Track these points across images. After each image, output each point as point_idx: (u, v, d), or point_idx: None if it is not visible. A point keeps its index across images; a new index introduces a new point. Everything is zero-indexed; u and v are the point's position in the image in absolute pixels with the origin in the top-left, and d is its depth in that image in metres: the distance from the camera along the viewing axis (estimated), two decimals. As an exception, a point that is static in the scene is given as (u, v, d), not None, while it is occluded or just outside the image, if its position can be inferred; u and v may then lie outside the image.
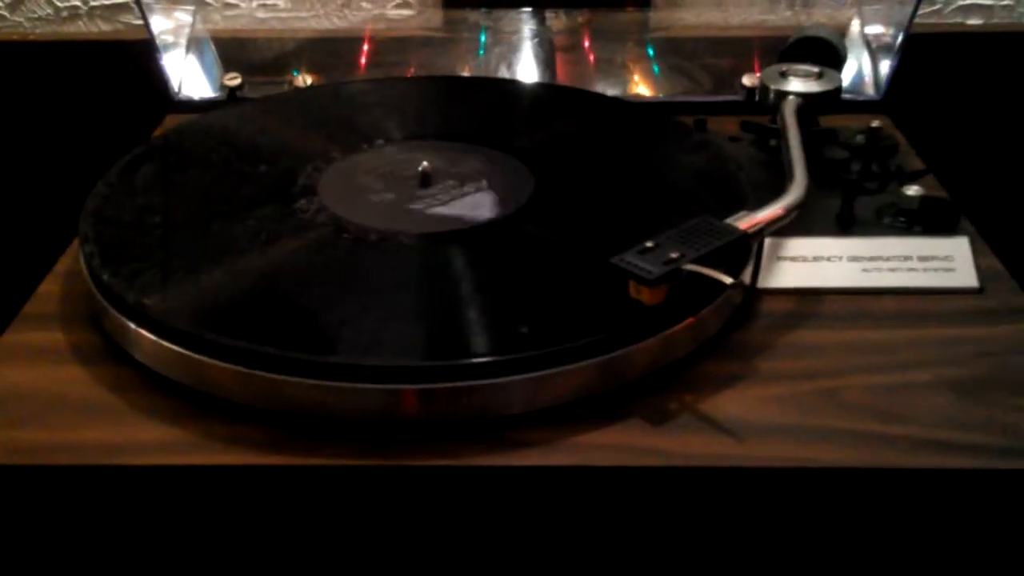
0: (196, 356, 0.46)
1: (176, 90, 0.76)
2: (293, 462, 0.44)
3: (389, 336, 0.46)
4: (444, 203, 0.56)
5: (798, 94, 0.62)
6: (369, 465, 0.44)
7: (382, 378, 0.44)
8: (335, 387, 0.44)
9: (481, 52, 0.80)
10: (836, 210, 0.59)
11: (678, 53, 0.79)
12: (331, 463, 0.44)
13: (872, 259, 0.55)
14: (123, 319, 0.48)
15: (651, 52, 0.80)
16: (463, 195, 0.57)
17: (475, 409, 0.45)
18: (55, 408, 0.47)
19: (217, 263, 0.51)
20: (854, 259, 0.55)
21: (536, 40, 0.80)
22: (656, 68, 0.79)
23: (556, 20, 0.81)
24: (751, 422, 0.46)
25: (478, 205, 0.56)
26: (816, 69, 0.64)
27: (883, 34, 0.75)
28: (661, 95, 0.78)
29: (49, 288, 0.55)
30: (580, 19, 0.81)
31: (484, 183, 0.58)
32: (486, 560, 0.47)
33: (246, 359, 0.45)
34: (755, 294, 0.53)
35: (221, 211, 0.56)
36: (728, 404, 0.47)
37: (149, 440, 0.45)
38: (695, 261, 0.46)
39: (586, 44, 0.81)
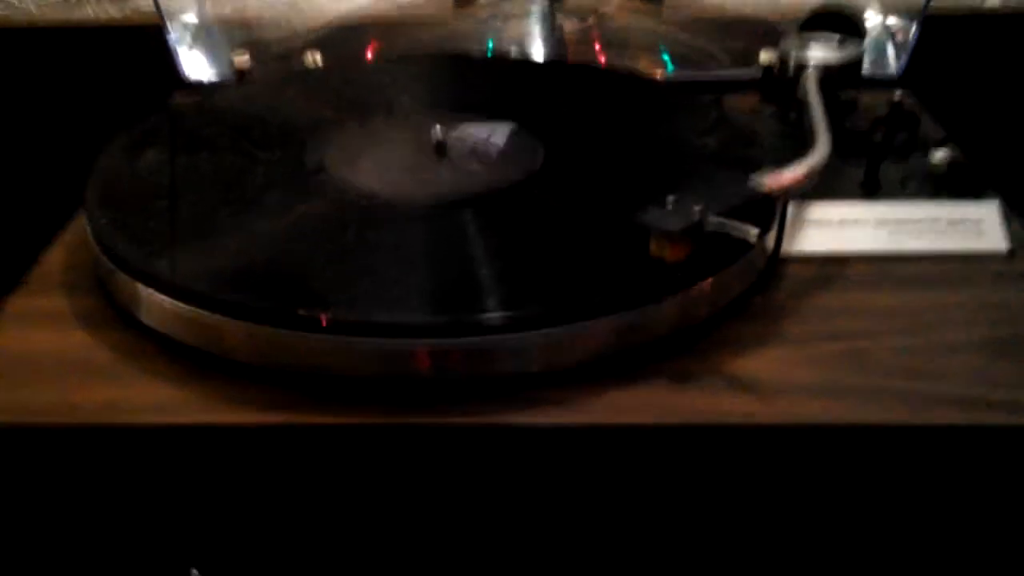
0: (201, 312, 0.44)
1: (186, 73, 0.75)
2: (301, 420, 0.43)
3: (409, 294, 0.45)
4: (458, 171, 0.55)
5: (820, 63, 0.61)
6: (387, 423, 0.42)
7: (402, 333, 0.43)
8: (349, 342, 0.43)
9: (490, 45, 0.79)
10: (860, 179, 0.58)
11: (691, 34, 0.78)
12: (346, 421, 0.43)
13: (899, 223, 0.53)
14: (129, 279, 0.47)
15: (661, 48, 0.79)
16: (477, 163, 0.56)
17: (495, 366, 0.43)
18: (59, 371, 0.46)
19: (224, 225, 0.50)
20: (881, 223, 0.53)
21: (547, 25, 0.79)
22: (666, 55, 0.78)
23: (568, 22, 0.80)
24: (777, 381, 0.44)
25: (492, 171, 0.55)
26: (837, 36, 0.62)
27: (901, 13, 0.74)
28: (672, 70, 0.77)
29: (53, 257, 0.54)
30: (591, 20, 0.80)
31: (497, 152, 0.57)
32: (508, 519, 0.45)
33: (264, 316, 0.43)
34: (779, 258, 0.52)
35: (226, 179, 0.55)
36: (754, 364, 0.45)
37: (154, 400, 0.44)
38: (718, 216, 0.45)
39: (595, 33, 0.80)
